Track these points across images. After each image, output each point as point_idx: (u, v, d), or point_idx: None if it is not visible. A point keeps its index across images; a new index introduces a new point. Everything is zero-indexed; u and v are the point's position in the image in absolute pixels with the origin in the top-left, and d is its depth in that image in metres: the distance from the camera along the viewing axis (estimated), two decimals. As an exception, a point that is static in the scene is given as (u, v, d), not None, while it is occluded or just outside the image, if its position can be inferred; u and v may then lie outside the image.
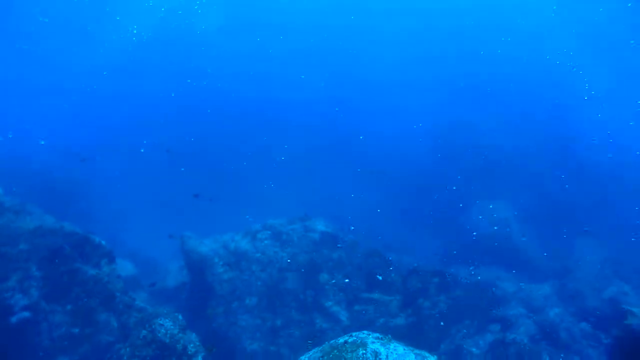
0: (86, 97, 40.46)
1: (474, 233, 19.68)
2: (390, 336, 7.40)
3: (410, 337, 16.25)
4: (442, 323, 16.02)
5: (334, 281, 17.05)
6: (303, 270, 17.27)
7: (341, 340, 7.35)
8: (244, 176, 26.10)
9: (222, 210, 22.43)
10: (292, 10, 41.01)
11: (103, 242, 14.92)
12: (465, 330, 16.43)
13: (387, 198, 22.90)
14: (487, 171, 22.85)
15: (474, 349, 15.88)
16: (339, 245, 17.85)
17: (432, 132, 26.58)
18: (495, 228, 19.95)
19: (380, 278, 16.60)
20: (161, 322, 13.00)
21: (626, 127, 27.40)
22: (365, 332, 7.54)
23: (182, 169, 24.64)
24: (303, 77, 38.61)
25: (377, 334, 7.48)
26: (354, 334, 7.51)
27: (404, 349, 6.92)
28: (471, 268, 17.04)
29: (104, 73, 39.86)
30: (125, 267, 20.72)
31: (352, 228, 19.90)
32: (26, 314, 12.16)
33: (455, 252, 18.26)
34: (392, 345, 6.91)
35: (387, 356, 6.65)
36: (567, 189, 21.50)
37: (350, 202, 23.11)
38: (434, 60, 37.79)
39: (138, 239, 23.92)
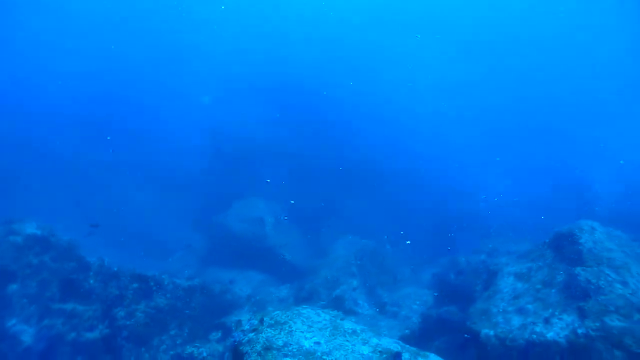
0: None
1: (228, 233, 18.13)
2: None
3: (106, 352, 14.43)
4: (138, 333, 14.21)
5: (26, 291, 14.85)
6: (-8, 279, 14.94)
7: None
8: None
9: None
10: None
11: None
12: (170, 342, 14.72)
13: (162, 198, 21.07)
14: (251, 170, 21.54)
15: (176, 362, 14.21)
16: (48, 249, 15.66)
17: (203, 131, 25.11)
18: (251, 227, 18.55)
19: (74, 284, 14.54)
20: None
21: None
22: None
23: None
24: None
25: None
26: None
27: None
28: (187, 271, 15.40)
29: None
30: None
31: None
32: None
33: (198, 253, 16.57)
34: None
35: None
36: (333, 187, 20.59)
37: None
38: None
39: None
